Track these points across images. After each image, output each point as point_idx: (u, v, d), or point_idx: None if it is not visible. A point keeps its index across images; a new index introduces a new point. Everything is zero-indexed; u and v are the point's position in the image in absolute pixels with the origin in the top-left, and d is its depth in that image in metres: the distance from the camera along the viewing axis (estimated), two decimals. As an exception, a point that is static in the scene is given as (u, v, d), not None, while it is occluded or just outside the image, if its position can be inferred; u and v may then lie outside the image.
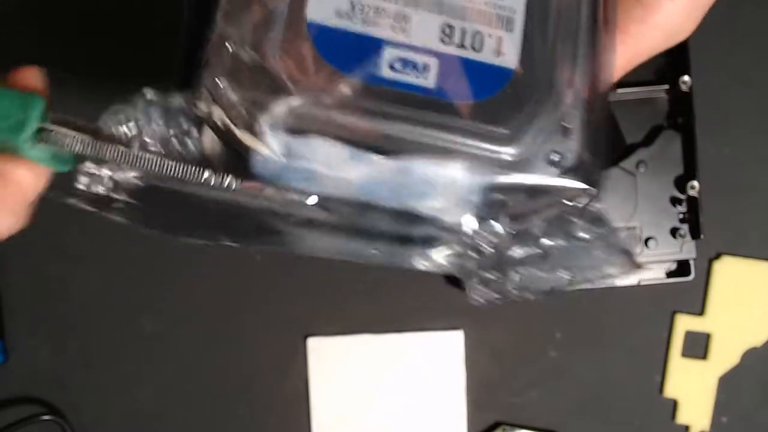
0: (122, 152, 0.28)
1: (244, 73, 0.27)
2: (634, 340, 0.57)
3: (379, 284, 0.57)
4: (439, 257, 0.29)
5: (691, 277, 0.54)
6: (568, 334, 0.57)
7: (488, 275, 0.29)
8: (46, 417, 0.56)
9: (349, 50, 0.28)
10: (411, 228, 0.29)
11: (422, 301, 0.57)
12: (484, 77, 0.29)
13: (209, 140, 0.28)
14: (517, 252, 0.29)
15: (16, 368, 0.57)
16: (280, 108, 0.27)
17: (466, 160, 0.28)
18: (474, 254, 0.29)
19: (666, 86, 0.55)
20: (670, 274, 0.55)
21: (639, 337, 0.57)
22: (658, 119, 0.55)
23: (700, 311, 0.57)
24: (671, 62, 0.55)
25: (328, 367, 0.57)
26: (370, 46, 0.28)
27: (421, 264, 0.30)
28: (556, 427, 0.57)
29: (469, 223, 0.29)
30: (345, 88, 0.28)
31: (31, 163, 0.29)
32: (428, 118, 0.28)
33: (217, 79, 0.27)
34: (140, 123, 0.28)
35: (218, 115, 0.27)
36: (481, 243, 0.29)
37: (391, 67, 0.28)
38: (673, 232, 0.54)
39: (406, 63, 0.28)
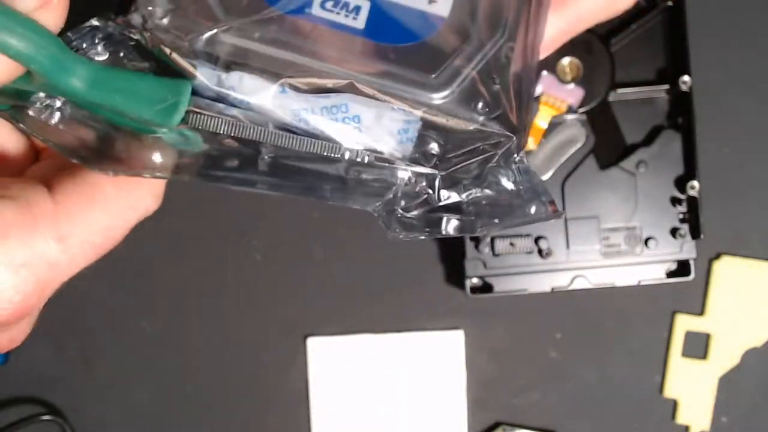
0: (266, 132, 0.28)
1: (178, 1, 0.28)
2: (634, 340, 0.57)
3: (379, 284, 0.57)
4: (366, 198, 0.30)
5: (691, 277, 0.54)
6: (568, 334, 0.57)
7: (413, 219, 0.30)
8: (46, 417, 0.56)
9: None
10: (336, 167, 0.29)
11: (422, 301, 0.57)
12: (414, 23, 0.29)
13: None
14: (444, 196, 0.30)
15: (16, 368, 0.57)
16: (210, 37, 0.28)
17: (392, 103, 0.28)
18: (400, 196, 0.30)
19: (666, 86, 0.55)
20: (670, 274, 0.55)
21: (639, 337, 0.57)
22: (658, 119, 0.55)
23: (700, 311, 0.57)
24: (671, 62, 0.55)
25: (328, 367, 0.57)
26: None
27: (343, 202, 0.30)
28: (556, 427, 0.57)
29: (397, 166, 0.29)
30: (274, 23, 0.28)
31: (164, 146, 0.29)
32: (355, 59, 0.28)
33: (150, 6, 0.27)
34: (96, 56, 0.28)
35: (153, 41, 0.28)
36: (407, 186, 0.29)
37: (322, 6, 0.28)
38: (673, 232, 0.54)
39: (338, 3, 0.28)
